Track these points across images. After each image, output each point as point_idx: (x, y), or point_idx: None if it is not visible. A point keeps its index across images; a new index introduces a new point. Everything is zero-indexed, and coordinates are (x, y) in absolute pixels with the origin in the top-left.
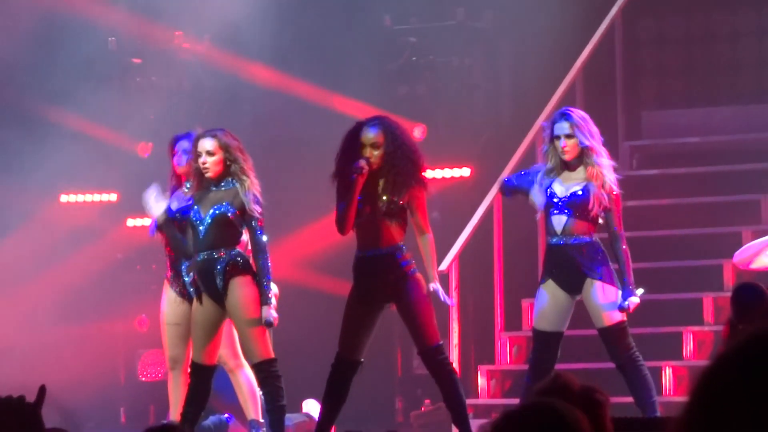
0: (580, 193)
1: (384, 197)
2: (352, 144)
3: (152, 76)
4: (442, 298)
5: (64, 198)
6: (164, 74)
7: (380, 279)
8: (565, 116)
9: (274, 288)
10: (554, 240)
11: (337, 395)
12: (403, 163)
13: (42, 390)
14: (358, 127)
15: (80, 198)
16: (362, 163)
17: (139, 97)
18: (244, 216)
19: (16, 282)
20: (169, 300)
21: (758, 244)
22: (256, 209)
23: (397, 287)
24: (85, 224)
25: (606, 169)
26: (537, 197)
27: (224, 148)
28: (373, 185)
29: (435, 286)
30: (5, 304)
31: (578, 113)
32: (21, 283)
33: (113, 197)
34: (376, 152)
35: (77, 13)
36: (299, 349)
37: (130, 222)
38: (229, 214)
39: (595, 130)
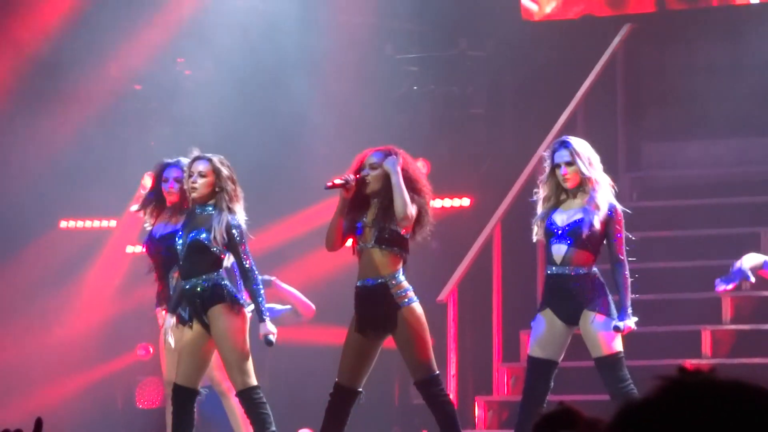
0: (580, 222)
1: (376, 223)
2: (355, 167)
3: (152, 102)
4: None
5: (63, 224)
6: (165, 101)
7: (373, 310)
8: (565, 144)
9: (272, 328)
10: (553, 269)
11: (334, 425)
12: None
13: (38, 423)
14: (367, 152)
15: (80, 224)
16: (345, 176)
17: (139, 124)
18: (227, 242)
19: (16, 308)
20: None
21: None
22: (234, 235)
23: (388, 319)
24: (83, 250)
25: (605, 200)
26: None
27: (216, 172)
28: (370, 210)
29: None
30: (5, 330)
31: (577, 141)
32: (20, 309)
33: (113, 224)
34: (373, 173)
35: (78, 39)
36: (294, 378)
37: (129, 248)
38: (205, 241)
39: (595, 157)
